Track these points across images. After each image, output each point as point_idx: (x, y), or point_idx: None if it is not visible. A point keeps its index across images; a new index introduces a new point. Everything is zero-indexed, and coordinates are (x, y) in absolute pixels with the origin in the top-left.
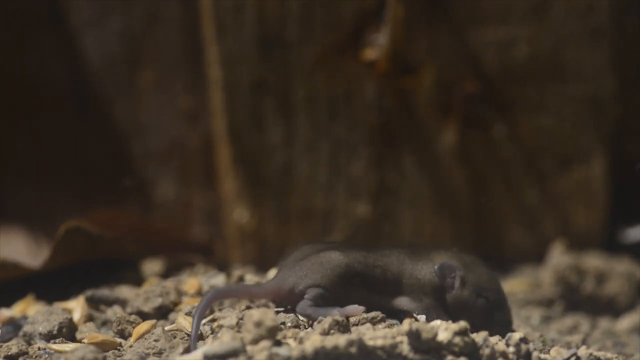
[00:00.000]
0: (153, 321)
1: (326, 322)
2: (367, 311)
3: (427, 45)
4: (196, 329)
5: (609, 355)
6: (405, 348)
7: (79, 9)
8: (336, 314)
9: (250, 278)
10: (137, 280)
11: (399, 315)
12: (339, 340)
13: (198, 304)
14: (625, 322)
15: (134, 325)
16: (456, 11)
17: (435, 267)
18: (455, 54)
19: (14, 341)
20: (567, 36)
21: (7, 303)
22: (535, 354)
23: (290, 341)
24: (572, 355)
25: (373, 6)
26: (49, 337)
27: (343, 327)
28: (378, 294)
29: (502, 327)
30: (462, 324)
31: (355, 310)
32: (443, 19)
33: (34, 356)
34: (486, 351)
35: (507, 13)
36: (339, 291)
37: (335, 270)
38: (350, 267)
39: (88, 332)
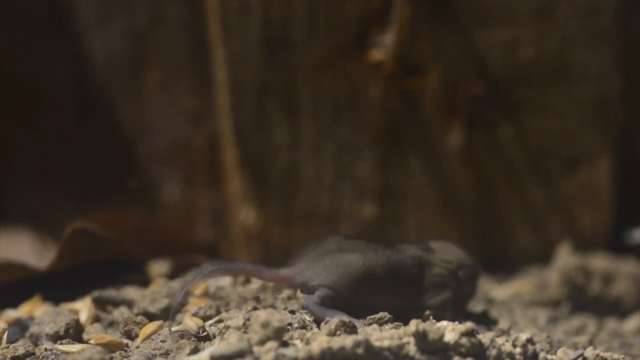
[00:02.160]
0: (160, 322)
1: (333, 322)
2: (390, 312)
3: (432, 47)
4: (184, 291)
5: (615, 356)
6: (412, 349)
7: (84, 10)
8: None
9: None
10: (144, 281)
11: (406, 316)
12: (346, 341)
13: (200, 269)
14: (631, 323)
15: (140, 326)
16: (461, 13)
17: (460, 273)
18: (460, 55)
19: (20, 342)
20: (572, 38)
21: (14, 304)
22: (542, 354)
23: (297, 342)
24: (579, 356)
25: (378, 8)
26: (56, 338)
27: (350, 328)
28: (402, 294)
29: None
30: (469, 324)
31: (358, 324)
32: (448, 20)
33: (40, 357)
34: (493, 352)
35: (512, 14)
36: (353, 295)
37: (352, 275)
38: (368, 272)
39: (95, 333)
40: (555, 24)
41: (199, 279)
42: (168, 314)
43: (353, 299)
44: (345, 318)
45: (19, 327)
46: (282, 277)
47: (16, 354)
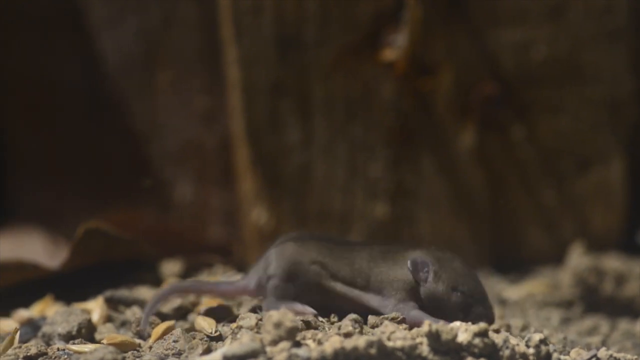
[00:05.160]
0: (172, 322)
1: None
2: (333, 305)
3: (445, 47)
4: (147, 315)
5: (628, 356)
6: (425, 349)
7: (96, 9)
8: (281, 307)
9: None
10: (156, 281)
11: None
12: (359, 341)
13: (156, 292)
14: None
15: (153, 326)
16: (474, 13)
17: (408, 261)
18: (473, 55)
19: (33, 342)
20: (584, 38)
21: (26, 304)
22: (555, 355)
23: (310, 342)
24: (592, 357)
25: (391, 7)
26: (68, 337)
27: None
28: (347, 285)
29: (481, 321)
30: (482, 325)
31: (303, 309)
32: (461, 20)
33: (53, 357)
34: (506, 352)
35: (524, 14)
36: (295, 281)
37: (287, 259)
38: (304, 256)
39: (107, 333)
40: (567, 24)
41: (160, 298)
42: (180, 315)
43: (303, 285)
44: (298, 306)
45: (31, 327)
46: (238, 288)
47: (28, 354)
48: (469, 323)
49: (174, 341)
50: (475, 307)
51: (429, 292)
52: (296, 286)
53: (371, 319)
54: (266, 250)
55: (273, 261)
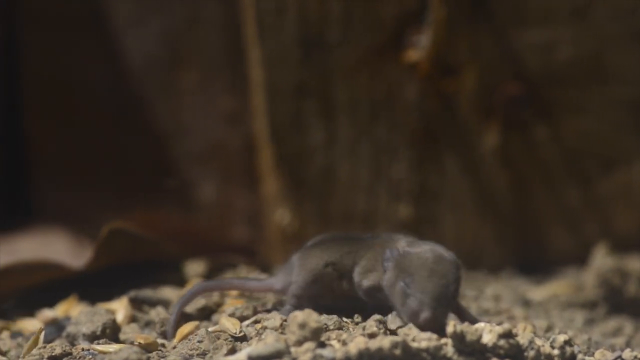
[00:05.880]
0: (196, 322)
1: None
2: (350, 306)
3: (468, 47)
4: (175, 318)
5: None
6: (449, 350)
7: (120, 9)
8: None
9: None
10: (180, 281)
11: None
12: (383, 342)
13: (184, 294)
14: None
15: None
16: (498, 13)
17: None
18: (497, 55)
19: (57, 342)
20: (609, 38)
21: (51, 304)
22: (580, 356)
23: (334, 343)
24: (616, 358)
25: (414, 8)
26: (93, 337)
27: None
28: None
29: (408, 316)
30: (506, 326)
31: None
32: (485, 20)
33: (77, 357)
34: (531, 353)
35: (549, 15)
36: (312, 288)
37: (304, 266)
38: (320, 259)
39: (131, 333)
40: (592, 25)
41: (188, 300)
42: (205, 316)
43: (321, 290)
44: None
45: (56, 327)
46: (266, 286)
47: (53, 354)
48: (493, 324)
49: (199, 341)
50: (410, 300)
51: (386, 279)
52: (316, 290)
53: None
54: (293, 253)
55: (296, 267)
